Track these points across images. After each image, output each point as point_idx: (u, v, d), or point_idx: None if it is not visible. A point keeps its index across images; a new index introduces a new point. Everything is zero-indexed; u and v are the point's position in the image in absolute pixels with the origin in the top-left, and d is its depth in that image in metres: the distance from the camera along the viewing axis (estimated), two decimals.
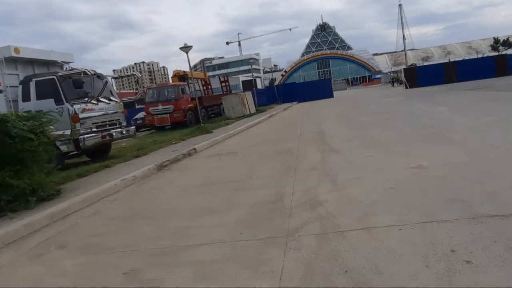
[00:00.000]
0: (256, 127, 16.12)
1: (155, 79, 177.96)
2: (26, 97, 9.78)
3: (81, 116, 9.62)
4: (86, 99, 9.63)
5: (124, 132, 10.88)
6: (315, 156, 6.84)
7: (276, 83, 62.57)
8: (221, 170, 6.96)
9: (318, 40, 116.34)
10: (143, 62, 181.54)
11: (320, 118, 15.45)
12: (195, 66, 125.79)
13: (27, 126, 5.30)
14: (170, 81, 25.39)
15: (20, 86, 9.85)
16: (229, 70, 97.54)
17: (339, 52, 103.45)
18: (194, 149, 10.13)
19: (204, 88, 27.06)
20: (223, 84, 28.75)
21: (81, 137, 9.47)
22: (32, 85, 9.75)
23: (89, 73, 9.42)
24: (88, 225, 4.56)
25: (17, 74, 10.17)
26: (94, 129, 10.01)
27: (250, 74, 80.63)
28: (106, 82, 11.16)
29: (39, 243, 4.09)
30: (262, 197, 4.52)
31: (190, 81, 22.94)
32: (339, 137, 9.16)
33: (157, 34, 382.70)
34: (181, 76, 22.00)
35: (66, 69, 10.46)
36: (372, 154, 6.14)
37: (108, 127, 10.52)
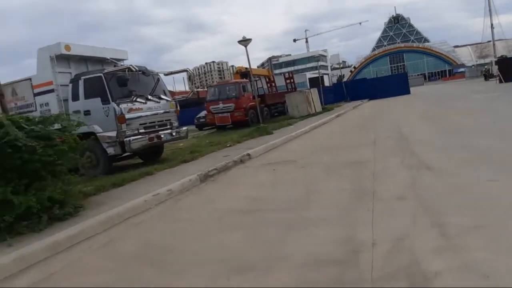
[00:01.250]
0: (321, 128, 14.36)
1: (224, 77, 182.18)
2: (75, 96, 9.29)
3: (127, 116, 8.85)
4: (132, 97, 8.80)
5: (174, 134, 9.94)
6: (400, 174, 5.04)
7: (345, 79, 59.11)
8: (272, 188, 5.49)
9: (391, 33, 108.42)
10: (213, 62, 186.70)
11: (398, 118, 13.16)
12: (262, 64, 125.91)
13: (34, 132, 4.34)
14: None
15: (70, 85, 9.39)
16: (296, 67, 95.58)
17: (414, 45, 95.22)
18: (248, 154, 8.81)
19: (268, 85, 25.82)
20: (288, 81, 27.21)
21: (127, 139, 8.69)
22: (81, 84, 9.22)
23: (134, 70, 8.57)
24: (87, 267, 3.42)
25: (70, 73, 9.71)
26: (142, 131, 9.20)
27: (317, 71, 78.04)
28: (158, 79, 10.35)
29: None
30: (323, 246, 2.97)
31: (252, 78, 21.93)
32: (430, 145, 7.11)
33: (227, 34, 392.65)
34: (243, 73, 20.94)
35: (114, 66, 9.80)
36: (493, 177, 4.07)
37: (157, 128, 9.67)
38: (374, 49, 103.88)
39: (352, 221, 3.41)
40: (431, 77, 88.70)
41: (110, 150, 8.85)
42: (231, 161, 8.08)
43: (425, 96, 26.39)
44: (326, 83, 55.25)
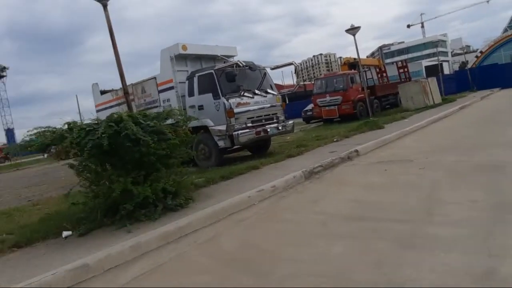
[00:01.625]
0: (441, 122, 12.67)
1: (331, 69, 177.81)
2: (191, 92, 9.96)
3: (236, 110, 9.12)
4: (240, 92, 9.01)
5: (280, 128, 9.91)
6: None
7: (469, 66, 51.30)
8: (383, 192, 4.92)
9: None
10: (320, 54, 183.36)
11: None
12: (372, 54, 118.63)
13: (149, 127, 4.66)
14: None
15: (187, 82, 10.09)
16: (410, 55, 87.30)
17: None
18: (356, 151, 8.22)
19: (379, 76, 24.09)
20: (401, 70, 24.88)
21: (235, 133, 8.97)
22: (195, 80, 9.83)
23: (241, 65, 8.73)
24: (190, 263, 3.49)
25: (187, 71, 10.44)
26: (249, 124, 9.39)
27: (435, 58, 69.70)
28: (265, 74, 10.43)
29: (129, 280, 3.26)
30: (454, 277, 2.41)
31: (361, 68, 20.68)
32: None
33: (335, 25, 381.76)
34: (351, 64, 19.89)
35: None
36: None
37: (264, 122, 9.76)
38: (506, 30, 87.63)
39: (493, 247, 2.73)
40: None
41: (221, 143, 9.25)
42: (337, 158, 7.64)
43: None
44: (446, 71, 49.11)
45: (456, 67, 61.28)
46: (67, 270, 3.35)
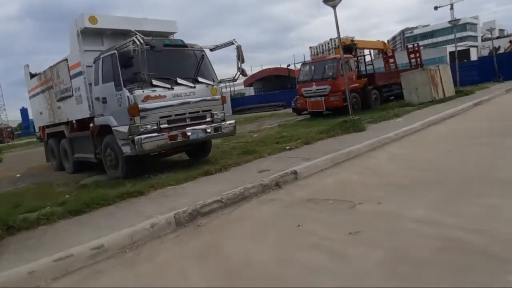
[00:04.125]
0: (443, 124, 9.74)
1: None
2: (96, 80, 7.55)
3: (141, 106, 6.64)
4: (140, 82, 6.45)
5: (210, 130, 7.36)
6: None
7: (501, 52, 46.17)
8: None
9: None
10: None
11: None
12: (393, 38, 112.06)
13: None
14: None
15: (93, 66, 7.64)
16: (435, 39, 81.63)
17: None
18: (295, 172, 5.60)
19: (385, 61, 20.86)
20: (412, 56, 21.51)
21: (137, 137, 6.51)
22: (100, 64, 7.38)
23: (138, 42, 6.10)
24: None
25: (101, 51, 7.89)
26: (164, 126, 6.90)
27: (462, 43, 63.92)
28: (203, 57, 7.84)
29: None
30: None
31: (358, 52, 17.58)
32: None
33: (356, 8, 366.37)
34: (347, 47, 16.80)
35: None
36: None
37: (189, 122, 7.25)
38: None
39: None
40: None
41: (126, 149, 6.84)
42: (257, 185, 5.07)
43: None
44: (474, 57, 44.64)
45: (486, 52, 56.01)
46: None
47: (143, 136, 6.52)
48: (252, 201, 4.65)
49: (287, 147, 7.77)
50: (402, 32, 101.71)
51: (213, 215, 4.19)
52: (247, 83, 47.67)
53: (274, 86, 43.01)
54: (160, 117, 6.84)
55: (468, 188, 4.07)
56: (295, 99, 20.04)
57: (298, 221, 3.61)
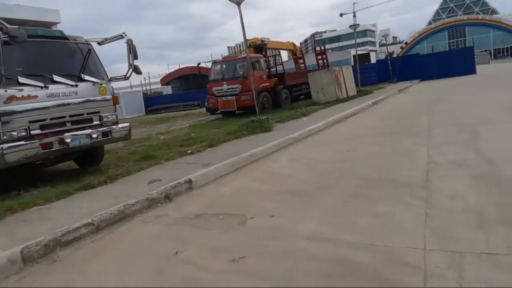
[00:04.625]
0: (345, 123, 10.09)
1: None
2: None
3: (3, 109, 5.42)
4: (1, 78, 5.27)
5: (96, 136, 6.38)
6: None
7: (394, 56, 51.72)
8: None
9: (451, 5, 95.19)
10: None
11: (473, 116, 8.20)
12: (305, 40, 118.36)
13: None
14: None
15: None
16: (341, 43, 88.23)
17: (480, 17, 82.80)
18: (189, 181, 5.04)
19: (295, 62, 21.46)
20: (319, 57, 22.53)
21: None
22: None
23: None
24: None
25: None
26: (36, 132, 5.76)
27: (363, 48, 70.12)
28: (89, 51, 6.79)
29: None
30: None
31: (269, 53, 17.75)
32: None
33: (273, 10, 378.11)
34: (257, 47, 16.79)
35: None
36: None
37: (69, 127, 6.18)
38: (430, 23, 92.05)
39: None
40: (498, 54, 77.52)
41: None
42: (142, 200, 4.37)
43: (498, 78, 20.60)
44: (373, 60, 49.04)
45: (383, 56, 62.07)
46: None
47: (5, 146, 5.33)
48: (133, 220, 3.96)
49: (189, 151, 7.16)
50: (313, 35, 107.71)
51: (79, 244, 3.41)
52: (165, 82, 45.68)
53: (192, 85, 41.87)
54: (30, 122, 5.70)
55: (363, 192, 3.95)
56: (207, 98, 19.49)
57: (177, 247, 3.04)
